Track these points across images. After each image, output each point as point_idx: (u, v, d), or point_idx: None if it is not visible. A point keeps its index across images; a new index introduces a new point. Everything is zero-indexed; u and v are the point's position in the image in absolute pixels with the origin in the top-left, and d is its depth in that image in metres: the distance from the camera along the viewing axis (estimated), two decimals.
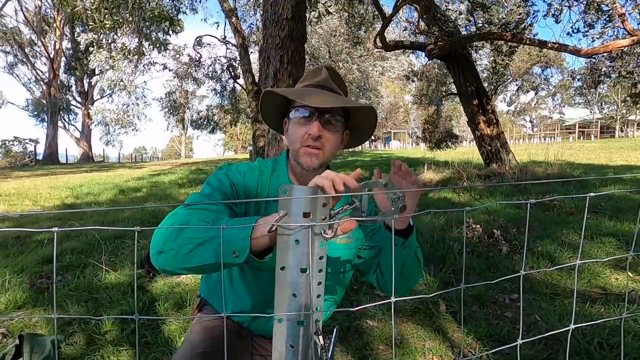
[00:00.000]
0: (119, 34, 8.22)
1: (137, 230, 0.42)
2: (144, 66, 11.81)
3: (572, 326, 0.55)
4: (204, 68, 12.80)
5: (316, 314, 0.54)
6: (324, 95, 0.86)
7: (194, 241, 0.65)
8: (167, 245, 0.66)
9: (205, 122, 16.33)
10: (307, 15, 5.50)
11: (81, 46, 9.79)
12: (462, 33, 6.76)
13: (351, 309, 0.58)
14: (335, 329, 0.65)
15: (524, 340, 0.52)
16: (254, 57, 11.12)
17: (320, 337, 0.54)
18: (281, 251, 0.54)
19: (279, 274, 0.54)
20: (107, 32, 7.42)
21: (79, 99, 24.53)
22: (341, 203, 0.64)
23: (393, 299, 0.45)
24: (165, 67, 13.49)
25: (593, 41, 6.03)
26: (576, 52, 5.74)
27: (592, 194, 0.55)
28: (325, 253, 0.55)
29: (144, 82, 25.18)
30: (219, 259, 0.62)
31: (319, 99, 0.83)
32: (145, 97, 22.38)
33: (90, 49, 8.93)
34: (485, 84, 9.19)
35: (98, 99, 24.85)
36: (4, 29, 20.25)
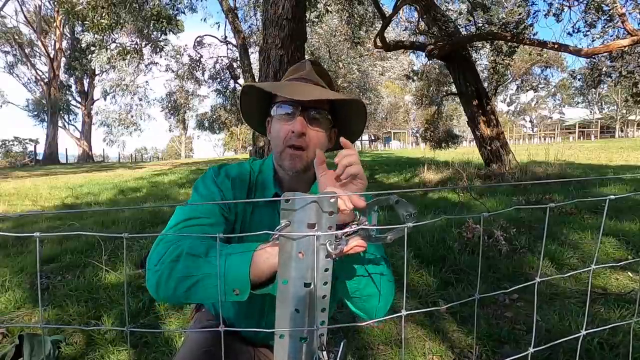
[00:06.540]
0: (115, 33, 8.18)
1: (125, 237, 0.40)
2: (145, 66, 11.82)
3: (583, 332, 0.54)
4: (205, 69, 12.81)
5: (320, 329, 0.51)
6: (307, 87, 0.79)
7: (190, 280, 0.62)
8: (162, 288, 0.64)
9: (212, 123, 16.34)
10: (307, 15, 5.50)
11: (82, 44, 9.76)
12: (462, 33, 6.75)
13: (361, 324, 0.55)
14: (342, 343, 0.61)
15: (536, 349, 0.51)
16: (254, 57, 11.11)
17: (325, 353, 0.51)
18: (283, 264, 0.50)
19: (280, 288, 0.50)
20: (103, 31, 7.37)
21: (79, 99, 24.53)
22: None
23: (404, 312, 0.43)
24: (168, 69, 13.51)
25: (593, 41, 6.03)
26: (577, 52, 5.74)
27: (612, 197, 0.54)
28: (331, 265, 0.52)
29: (146, 82, 25.18)
30: (221, 295, 0.60)
31: (302, 92, 0.76)
32: (147, 97, 22.42)
33: (92, 48, 8.92)
34: (485, 84, 9.19)
35: (98, 99, 24.89)
36: (4, 29, 20.24)
